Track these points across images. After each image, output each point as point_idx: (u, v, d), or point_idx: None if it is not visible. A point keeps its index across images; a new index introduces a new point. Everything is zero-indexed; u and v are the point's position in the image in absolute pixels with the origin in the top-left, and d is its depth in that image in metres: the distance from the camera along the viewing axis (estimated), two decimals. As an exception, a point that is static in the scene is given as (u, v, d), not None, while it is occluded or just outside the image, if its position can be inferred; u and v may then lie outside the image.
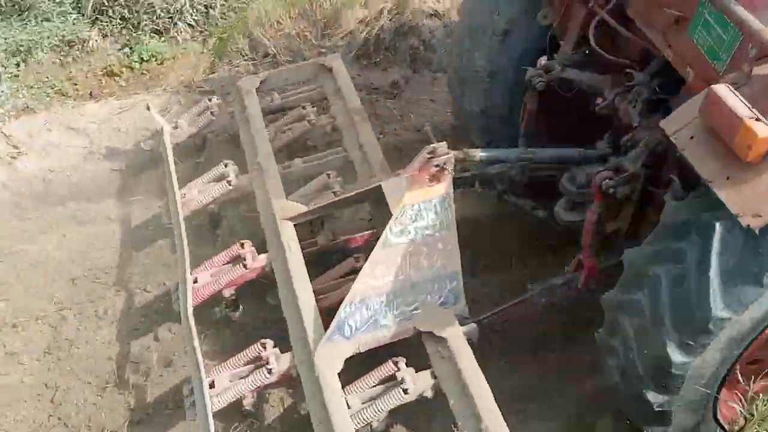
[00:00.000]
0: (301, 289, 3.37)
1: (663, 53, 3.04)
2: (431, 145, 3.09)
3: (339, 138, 4.40)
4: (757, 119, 2.20)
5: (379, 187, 3.48)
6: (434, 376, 3.13)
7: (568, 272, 3.47)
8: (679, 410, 2.77)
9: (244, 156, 4.23)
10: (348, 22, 5.72)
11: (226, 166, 4.14)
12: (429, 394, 3.14)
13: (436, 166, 3.08)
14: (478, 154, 3.38)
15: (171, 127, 4.46)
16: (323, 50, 5.60)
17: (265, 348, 3.23)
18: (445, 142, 3.12)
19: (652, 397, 2.73)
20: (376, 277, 3.16)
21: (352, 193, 3.61)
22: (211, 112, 4.48)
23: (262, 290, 3.92)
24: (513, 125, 3.98)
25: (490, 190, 3.82)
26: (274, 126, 4.42)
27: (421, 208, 3.15)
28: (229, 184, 4.05)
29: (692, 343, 2.53)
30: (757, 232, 2.23)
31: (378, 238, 3.48)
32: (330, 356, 3.12)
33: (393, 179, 3.34)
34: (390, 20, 5.66)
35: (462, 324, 3.23)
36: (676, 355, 2.56)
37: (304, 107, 4.48)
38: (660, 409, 2.75)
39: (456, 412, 2.99)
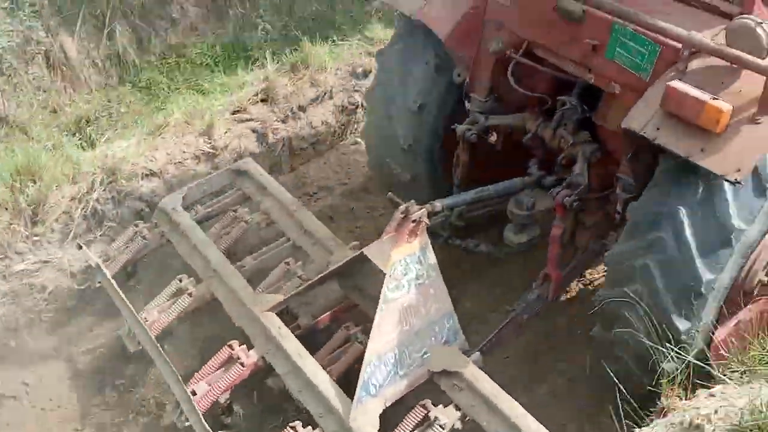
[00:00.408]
0: (311, 369, 3.55)
1: (583, 78, 3.70)
2: (402, 206, 3.48)
3: (272, 232, 4.66)
4: (715, 98, 2.85)
5: (353, 258, 3.77)
6: (458, 408, 3.43)
7: (536, 287, 3.95)
8: (697, 336, 3.25)
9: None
10: (59, 203, 5.14)
11: (181, 280, 4.23)
12: (459, 425, 3.42)
13: (413, 221, 3.46)
14: (442, 203, 3.78)
15: (103, 261, 4.46)
16: (37, 238, 5.04)
17: (297, 430, 3.36)
18: (413, 201, 3.52)
19: (680, 324, 3.19)
20: (385, 333, 3.42)
21: (331, 270, 3.87)
22: (143, 237, 4.53)
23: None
24: (432, 161, 4.49)
25: (436, 240, 4.24)
26: (211, 233, 4.56)
27: (408, 262, 3.50)
28: (190, 296, 4.14)
29: (718, 257, 3.09)
30: (742, 181, 2.88)
31: (354, 306, 3.79)
32: (365, 417, 3.32)
33: (375, 244, 3.65)
34: (105, 190, 5.27)
35: (468, 355, 3.58)
36: (705, 274, 3.09)
37: (235, 210, 4.68)
38: (684, 337, 3.21)
39: (492, 430, 3.30)
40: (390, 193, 3.95)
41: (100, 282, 4.37)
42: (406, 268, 3.50)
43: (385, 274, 3.44)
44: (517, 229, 4.10)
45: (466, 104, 4.21)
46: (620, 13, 3.32)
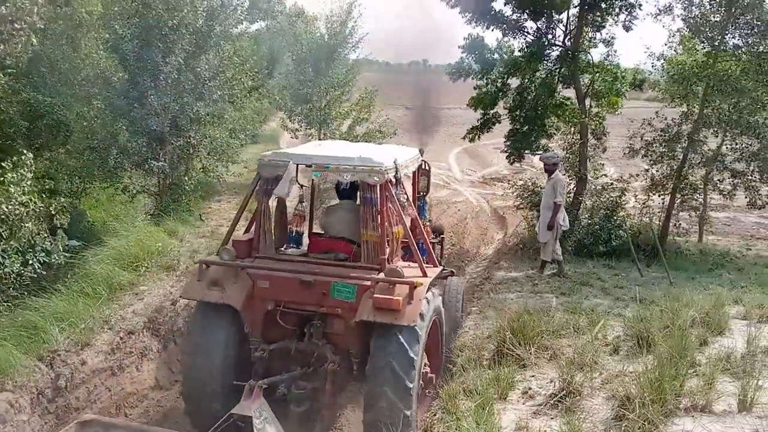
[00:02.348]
0: None
1: (319, 311, 6.97)
2: (248, 383, 6.23)
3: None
4: (397, 296, 6.44)
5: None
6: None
7: (319, 423, 6.92)
8: (413, 395, 6.46)
9: None
10: None
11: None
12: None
13: (258, 387, 6.20)
14: (265, 381, 6.48)
15: None
16: None
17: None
18: (252, 380, 6.25)
19: (410, 411, 6.32)
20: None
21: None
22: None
23: None
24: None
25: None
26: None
27: (260, 410, 6.11)
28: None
29: (413, 370, 6.37)
30: (416, 325, 6.43)
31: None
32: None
33: (238, 406, 6.10)
34: None
35: None
36: (414, 379, 6.39)
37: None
38: (411, 392, 6.36)
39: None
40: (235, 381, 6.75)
41: None
42: (260, 413, 6.07)
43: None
44: (297, 403, 6.82)
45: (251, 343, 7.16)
46: (334, 274, 6.93)
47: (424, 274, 6.99)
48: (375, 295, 6.50)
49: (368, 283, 6.74)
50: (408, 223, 7.52)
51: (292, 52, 20.73)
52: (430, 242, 9.01)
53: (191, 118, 13.44)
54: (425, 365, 7.01)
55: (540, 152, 14.21)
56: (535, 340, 7.74)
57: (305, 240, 8.00)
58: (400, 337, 6.40)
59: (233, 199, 16.68)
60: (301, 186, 8.00)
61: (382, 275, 6.80)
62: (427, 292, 6.78)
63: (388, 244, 7.06)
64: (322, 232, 8.04)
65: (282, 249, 7.73)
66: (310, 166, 7.17)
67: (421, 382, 6.75)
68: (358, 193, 7.49)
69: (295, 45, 20.51)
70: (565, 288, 11.16)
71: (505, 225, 18.91)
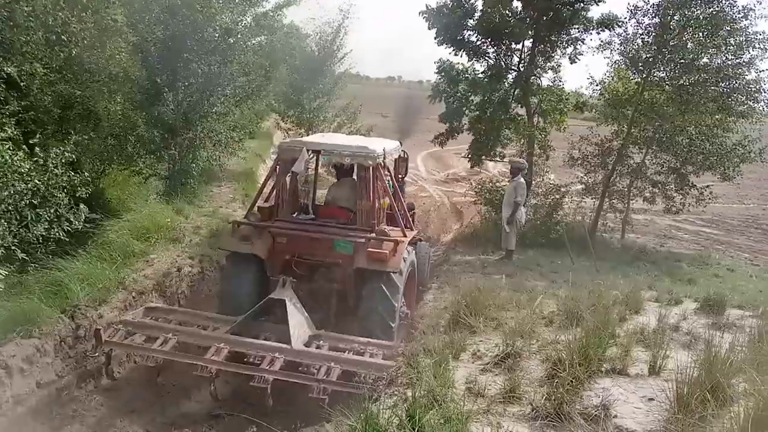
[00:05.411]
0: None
1: (325, 259, 8.03)
2: (281, 277, 7.04)
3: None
4: (384, 249, 7.19)
5: None
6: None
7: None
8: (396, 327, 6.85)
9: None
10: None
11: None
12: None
13: (290, 280, 7.04)
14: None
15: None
16: None
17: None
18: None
19: (394, 325, 6.83)
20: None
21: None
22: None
23: None
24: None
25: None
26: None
27: (292, 297, 7.35)
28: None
29: (394, 306, 6.91)
30: (400, 272, 6.87)
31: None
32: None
33: (275, 292, 7.43)
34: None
35: None
36: (397, 307, 7.00)
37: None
38: (393, 329, 6.83)
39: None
40: None
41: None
42: (291, 299, 7.43)
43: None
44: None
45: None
46: (337, 233, 7.99)
47: (404, 235, 8.07)
48: (368, 249, 7.56)
49: (363, 240, 7.76)
50: (392, 197, 8.67)
51: (286, 63, 20.67)
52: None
53: (200, 114, 13.30)
54: (402, 302, 7.84)
55: (512, 158, 14.26)
56: (484, 312, 7.79)
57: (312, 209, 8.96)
58: (390, 275, 7.45)
59: (232, 185, 16.57)
60: (307, 169, 8.71)
61: (373, 235, 7.79)
62: (406, 247, 7.84)
63: (377, 212, 8.09)
64: (327, 202, 9.02)
65: (295, 215, 8.60)
66: (319, 151, 8.21)
67: (401, 305, 7.70)
68: (354, 173, 8.79)
69: (290, 57, 20.49)
70: (510, 271, 11.28)
71: (461, 217, 19.06)
